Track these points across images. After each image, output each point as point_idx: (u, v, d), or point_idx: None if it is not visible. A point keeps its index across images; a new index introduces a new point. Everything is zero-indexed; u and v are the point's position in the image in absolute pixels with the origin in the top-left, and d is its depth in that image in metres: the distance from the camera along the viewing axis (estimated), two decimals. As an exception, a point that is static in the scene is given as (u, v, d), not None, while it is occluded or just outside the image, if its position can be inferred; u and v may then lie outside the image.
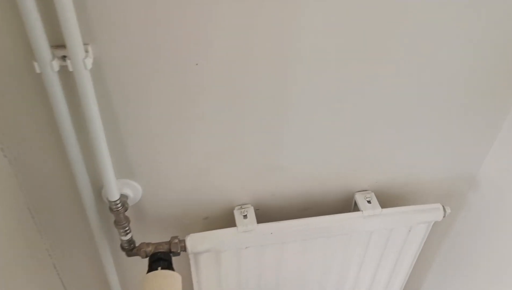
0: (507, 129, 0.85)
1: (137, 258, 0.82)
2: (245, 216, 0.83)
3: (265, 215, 0.89)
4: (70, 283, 0.95)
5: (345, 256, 0.92)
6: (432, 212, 0.87)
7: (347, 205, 0.92)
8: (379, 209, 0.85)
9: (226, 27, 0.60)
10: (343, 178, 0.87)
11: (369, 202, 0.86)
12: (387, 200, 0.91)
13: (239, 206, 0.86)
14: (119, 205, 0.73)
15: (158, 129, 0.70)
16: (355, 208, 0.90)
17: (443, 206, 0.87)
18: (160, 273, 0.74)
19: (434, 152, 0.88)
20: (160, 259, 0.78)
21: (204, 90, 0.67)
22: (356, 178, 0.87)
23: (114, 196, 0.71)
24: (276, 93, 0.69)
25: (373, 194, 0.88)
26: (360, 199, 0.87)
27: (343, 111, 0.75)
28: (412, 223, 0.88)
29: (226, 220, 0.88)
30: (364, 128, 0.79)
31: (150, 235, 0.86)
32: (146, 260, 0.80)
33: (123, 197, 0.76)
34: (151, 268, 0.77)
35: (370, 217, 0.85)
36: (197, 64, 0.63)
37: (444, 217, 0.88)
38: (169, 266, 0.78)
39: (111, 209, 0.73)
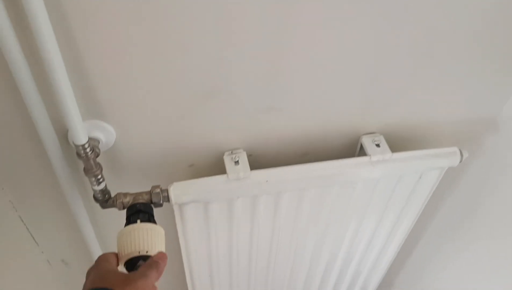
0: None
1: (114, 211, 0.71)
2: (236, 162, 0.72)
3: (258, 161, 0.79)
4: (42, 238, 0.85)
5: (347, 206, 0.83)
6: (448, 157, 0.77)
7: (351, 150, 0.82)
8: (389, 154, 0.75)
9: None
10: (349, 119, 0.76)
11: (377, 146, 0.76)
12: (397, 144, 0.81)
13: (230, 151, 0.75)
14: (87, 149, 0.61)
15: (131, 60, 0.58)
16: (360, 153, 0.80)
17: (460, 150, 0.78)
18: (139, 226, 0.64)
19: (452, 91, 0.77)
20: (140, 211, 0.67)
21: (186, 10, 0.54)
22: (363, 119, 0.76)
23: (81, 139, 0.60)
24: (272, 17, 0.57)
25: (382, 137, 0.78)
26: (367, 142, 0.77)
27: (351, 39, 0.63)
28: (425, 169, 0.78)
29: (215, 167, 0.78)
30: (375, 61, 0.67)
31: (128, 186, 0.75)
32: (125, 213, 0.70)
33: (93, 141, 0.65)
34: (129, 221, 0.66)
35: (379, 162, 0.74)
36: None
37: (460, 162, 0.78)
38: (150, 219, 0.67)
39: (78, 155, 0.62)
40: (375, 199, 0.83)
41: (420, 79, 0.72)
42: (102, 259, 0.55)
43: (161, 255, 0.59)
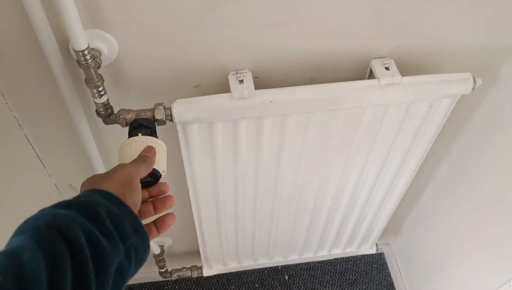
0: None
1: (118, 128, 0.71)
2: (241, 81, 0.71)
3: (264, 84, 0.77)
4: (45, 155, 0.85)
5: (355, 134, 0.81)
6: (461, 83, 0.74)
7: (361, 74, 0.79)
8: (398, 77, 0.72)
9: None
10: (359, 42, 0.73)
11: (387, 69, 0.74)
12: (408, 69, 0.78)
13: (235, 71, 0.74)
14: (87, 56, 0.60)
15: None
16: (370, 77, 0.78)
17: (473, 76, 0.75)
18: (140, 138, 0.63)
19: (468, 15, 0.73)
20: (142, 126, 0.67)
21: None
22: (374, 41, 0.74)
23: (81, 45, 0.59)
24: None
25: (392, 60, 0.75)
26: (377, 65, 0.74)
27: None
28: (436, 95, 0.75)
29: (221, 88, 0.76)
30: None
31: (132, 103, 0.74)
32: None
33: (94, 51, 0.63)
34: (131, 134, 0.66)
35: (388, 86, 0.72)
36: None
37: (473, 89, 0.75)
38: (152, 134, 0.67)
39: (78, 63, 0.61)
40: (384, 128, 0.81)
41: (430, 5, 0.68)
42: None
43: (147, 149, 0.59)
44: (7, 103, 0.73)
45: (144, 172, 0.54)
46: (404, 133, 0.84)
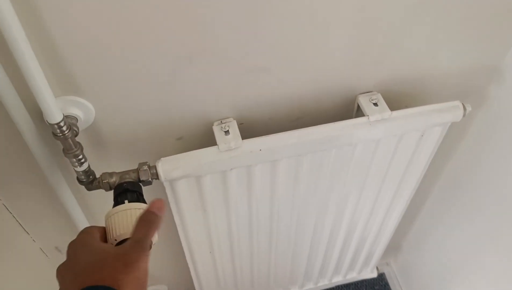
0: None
1: (102, 192, 0.67)
2: (226, 132, 0.68)
3: (250, 129, 0.74)
4: (31, 226, 0.81)
5: (348, 170, 0.79)
6: (450, 111, 0.72)
7: (348, 111, 0.77)
8: (388, 112, 0.70)
9: None
10: (343, 78, 0.71)
11: (375, 104, 0.71)
12: (395, 101, 0.76)
13: (219, 121, 0.71)
14: (63, 127, 0.57)
15: (104, 23, 0.53)
16: (358, 113, 0.76)
17: (462, 103, 0.73)
18: (127, 206, 0.60)
19: (451, 39, 0.71)
20: (127, 191, 0.63)
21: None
22: (358, 76, 0.72)
23: (54, 117, 0.55)
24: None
25: (379, 95, 0.73)
26: (364, 101, 0.72)
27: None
28: (427, 125, 0.74)
29: (205, 139, 0.73)
30: (365, 11, 0.62)
31: (114, 165, 0.71)
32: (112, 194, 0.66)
33: (70, 119, 0.60)
34: (117, 201, 0.62)
35: (378, 122, 0.70)
36: None
37: (463, 116, 0.73)
38: (139, 198, 0.63)
39: (54, 135, 0.58)
40: (377, 160, 0.79)
41: (414, 27, 0.67)
42: (85, 233, 0.51)
43: (151, 207, 0.52)
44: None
45: (151, 237, 0.50)
46: (397, 163, 0.82)
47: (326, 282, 1.26)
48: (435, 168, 1.02)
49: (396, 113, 0.70)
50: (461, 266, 1.10)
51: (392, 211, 0.99)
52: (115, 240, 0.56)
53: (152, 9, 0.53)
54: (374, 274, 1.28)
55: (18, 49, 0.47)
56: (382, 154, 0.78)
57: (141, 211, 0.59)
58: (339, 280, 1.27)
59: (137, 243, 0.48)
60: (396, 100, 0.77)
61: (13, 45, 0.47)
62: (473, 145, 0.92)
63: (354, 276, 1.28)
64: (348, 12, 0.61)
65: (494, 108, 0.83)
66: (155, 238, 0.57)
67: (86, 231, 0.52)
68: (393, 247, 1.38)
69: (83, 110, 0.62)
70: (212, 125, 0.70)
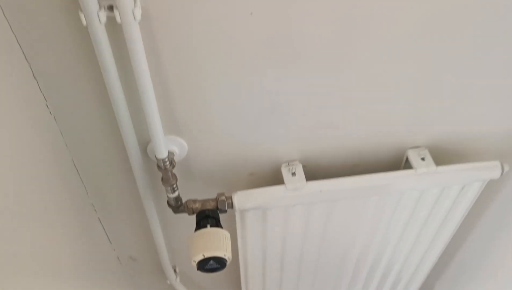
0: None
1: (183, 215, 0.81)
2: (293, 174, 0.80)
3: (312, 171, 0.86)
4: (115, 238, 0.95)
5: (393, 215, 0.89)
6: (490, 170, 0.82)
7: (398, 161, 0.88)
8: (433, 167, 0.81)
9: (285, -28, 0.55)
10: (397, 135, 0.83)
11: (422, 159, 0.82)
12: (441, 157, 0.87)
13: (287, 163, 0.83)
14: (167, 162, 0.70)
15: (207, 84, 0.66)
16: (406, 165, 0.86)
17: (501, 163, 0.83)
18: (210, 230, 0.73)
19: (494, 105, 0.82)
20: (208, 217, 0.76)
21: (257, 43, 0.62)
22: (410, 134, 0.83)
23: (163, 153, 0.69)
24: (334, 46, 0.64)
25: (427, 151, 0.84)
26: (413, 156, 0.83)
27: (402, 64, 0.69)
28: (467, 181, 0.83)
29: (272, 176, 0.86)
30: (422, 81, 0.73)
31: (195, 192, 0.84)
32: (192, 218, 0.79)
33: (170, 154, 0.74)
34: (199, 225, 0.75)
35: (424, 175, 0.81)
36: (251, 14, 0.58)
37: (501, 174, 0.83)
38: (217, 224, 0.76)
39: (159, 167, 0.71)
40: (419, 207, 0.89)
41: (465, 97, 0.77)
42: None
43: None
44: (87, 193, 0.83)
45: None
46: (437, 211, 0.92)
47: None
48: (473, 218, 1.10)
49: (440, 168, 0.81)
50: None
51: (428, 255, 1.08)
52: (200, 255, 0.69)
53: (241, 80, 0.66)
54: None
55: (145, 99, 0.61)
56: (425, 202, 0.88)
57: (221, 235, 0.72)
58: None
59: None
60: (443, 156, 0.87)
61: (143, 92, 0.60)
62: (509, 201, 1.00)
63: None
64: (409, 81, 0.73)
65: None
66: (230, 257, 0.70)
67: None
68: (428, 287, 1.45)
69: (179, 147, 0.76)
70: (281, 165, 0.83)
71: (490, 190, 0.98)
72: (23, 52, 0.60)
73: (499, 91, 0.78)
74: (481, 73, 0.74)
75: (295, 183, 0.79)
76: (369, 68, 0.69)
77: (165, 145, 0.69)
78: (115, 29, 0.57)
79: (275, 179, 0.85)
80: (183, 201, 0.80)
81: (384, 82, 0.72)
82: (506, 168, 0.83)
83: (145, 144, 0.75)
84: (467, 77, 0.74)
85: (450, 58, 0.70)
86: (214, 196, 0.79)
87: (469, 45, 0.69)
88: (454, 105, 0.79)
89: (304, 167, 0.84)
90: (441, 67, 0.71)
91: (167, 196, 0.77)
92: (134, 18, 0.53)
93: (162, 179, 0.74)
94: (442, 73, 0.72)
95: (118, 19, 0.53)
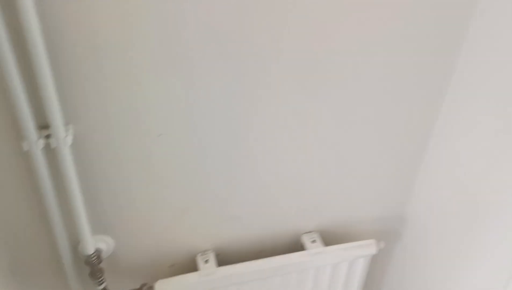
0: (423, 174, 1.02)
1: (110, 304, 0.91)
2: (206, 261, 0.94)
3: (225, 259, 1.01)
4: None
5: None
6: (367, 247, 1.01)
7: (296, 244, 1.05)
8: (321, 248, 0.98)
9: (181, 107, 0.75)
10: (291, 223, 1.01)
11: (314, 241, 1.00)
12: (331, 238, 1.05)
13: (201, 253, 0.97)
14: (94, 258, 0.83)
15: (131, 191, 0.82)
16: (301, 248, 1.03)
17: (376, 241, 1.02)
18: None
19: (367, 194, 1.03)
20: (132, 305, 0.87)
21: (168, 159, 0.80)
22: (301, 222, 1.01)
23: (89, 250, 0.82)
24: (229, 160, 0.83)
25: (318, 234, 1.02)
26: (306, 239, 1.01)
27: (288, 162, 0.89)
28: (352, 257, 1.01)
29: (191, 265, 0.99)
30: (307, 176, 0.93)
31: (122, 282, 0.95)
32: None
33: (98, 251, 0.86)
34: (124, 314, 0.86)
35: (315, 254, 0.98)
36: (160, 135, 0.77)
37: (379, 250, 1.02)
38: (140, 311, 0.87)
39: (86, 262, 0.83)
40: (320, 282, 1.05)
41: (339, 192, 0.98)
42: None
43: None
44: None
45: None
46: (336, 284, 1.08)
47: None
48: (372, 291, 1.27)
49: (327, 248, 0.99)
50: None
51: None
52: None
53: (162, 187, 0.83)
54: None
55: (75, 207, 0.75)
56: (322, 278, 1.04)
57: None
58: None
59: None
60: (331, 237, 1.05)
61: (72, 205, 0.75)
62: (396, 272, 1.19)
63: None
64: (292, 182, 0.92)
65: (404, 245, 1.12)
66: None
67: None
68: None
69: (106, 244, 0.89)
70: (196, 255, 0.97)
71: (379, 263, 1.17)
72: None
73: (368, 185, 1.00)
74: (351, 170, 0.96)
75: (208, 269, 0.93)
76: (257, 173, 0.88)
77: (92, 243, 0.82)
78: (51, 151, 0.72)
79: (194, 267, 0.98)
80: (111, 292, 0.91)
81: (272, 181, 0.91)
82: (381, 245, 1.02)
83: (76, 243, 0.88)
84: (343, 175, 0.96)
85: (327, 155, 0.92)
86: (138, 286, 0.91)
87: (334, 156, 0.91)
88: (330, 197, 0.99)
89: (217, 255, 0.99)
90: (316, 169, 0.92)
91: (95, 289, 0.88)
92: (65, 143, 0.69)
93: (90, 273, 0.85)
94: (319, 173, 0.93)
95: (52, 145, 0.69)
